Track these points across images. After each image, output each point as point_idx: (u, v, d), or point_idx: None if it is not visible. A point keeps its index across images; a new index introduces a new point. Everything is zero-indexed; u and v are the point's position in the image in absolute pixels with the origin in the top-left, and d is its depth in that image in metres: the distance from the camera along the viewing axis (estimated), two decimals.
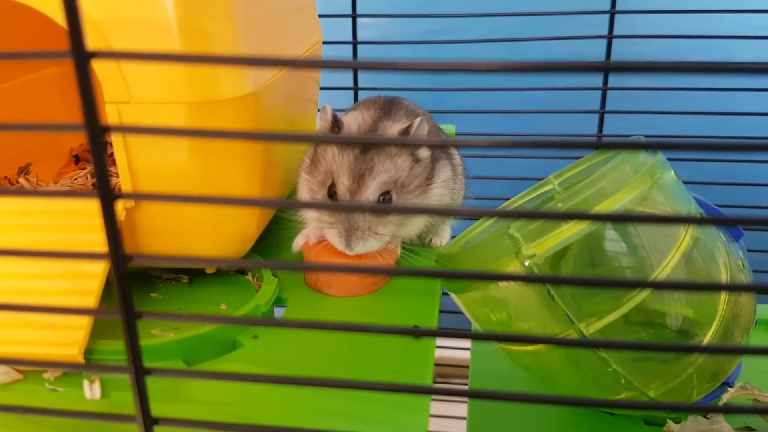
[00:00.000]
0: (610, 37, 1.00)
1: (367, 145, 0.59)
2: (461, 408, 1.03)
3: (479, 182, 0.85)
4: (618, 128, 1.10)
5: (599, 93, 1.04)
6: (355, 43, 1.05)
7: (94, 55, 0.29)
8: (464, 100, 1.23)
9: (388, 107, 0.66)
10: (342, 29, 1.05)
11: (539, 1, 1.21)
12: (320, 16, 0.88)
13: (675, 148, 0.28)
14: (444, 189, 0.66)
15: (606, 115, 1.04)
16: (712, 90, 0.96)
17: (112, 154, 0.63)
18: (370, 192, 0.59)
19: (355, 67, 0.29)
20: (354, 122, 0.62)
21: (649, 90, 1.04)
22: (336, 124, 0.60)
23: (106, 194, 0.32)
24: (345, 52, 1.07)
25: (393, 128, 0.60)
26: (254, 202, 0.35)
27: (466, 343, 1.01)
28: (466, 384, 0.84)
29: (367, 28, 1.25)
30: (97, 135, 0.32)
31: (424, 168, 0.62)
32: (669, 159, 0.59)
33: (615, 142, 0.28)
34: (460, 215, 0.26)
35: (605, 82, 1.03)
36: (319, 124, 0.61)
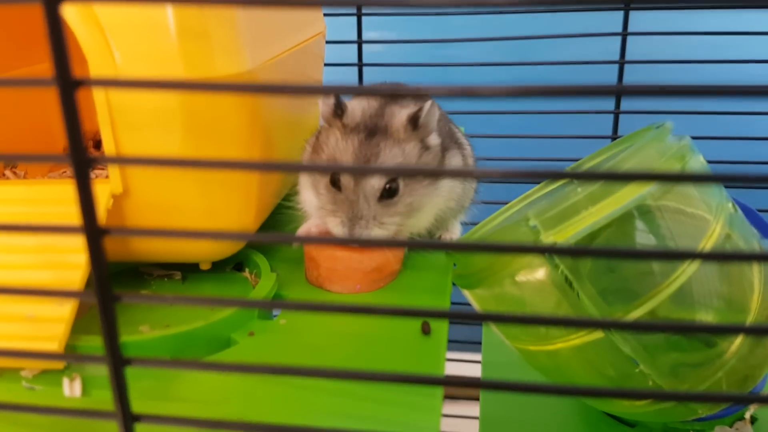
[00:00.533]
0: (624, 34, 0.97)
1: (372, 131, 0.55)
2: (472, 410, 0.98)
3: (489, 185, 0.82)
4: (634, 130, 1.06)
5: (614, 83, 1.00)
6: (360, 42, 1.02)
7: None
8: (472, 102, 1.19)
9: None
10: (345, 29, 1.02)
11: None
12: (325, 15, 0.85)
13: (708, 94, 0.24)
14: (455, 180, 0.61)
15: (621, 116, 1.01)
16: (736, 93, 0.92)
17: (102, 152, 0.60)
18: (376, 179, 0.55)
19: (359, 4, 0.25)
20: (359, 106, 0.58)
21: (665, 95, 1.00)
22: (339, 107, 0.56)
23: (79, 157, 0.29)
24: (349, 53, 1.04)
25: (401, 113, 0.56)
26: (248, 165, 0.31)
27: (477, 356, 0.97)
28: (477, 401, 0.81)
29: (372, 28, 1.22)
30: (69, 89, 0.29)
31: (433, 156, 0.58)
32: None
33: (639, 86, 0.24)
34: (492, 177, 0.23)
35: (620, 78, 0.99)
36: (322, 108, 0.57)
